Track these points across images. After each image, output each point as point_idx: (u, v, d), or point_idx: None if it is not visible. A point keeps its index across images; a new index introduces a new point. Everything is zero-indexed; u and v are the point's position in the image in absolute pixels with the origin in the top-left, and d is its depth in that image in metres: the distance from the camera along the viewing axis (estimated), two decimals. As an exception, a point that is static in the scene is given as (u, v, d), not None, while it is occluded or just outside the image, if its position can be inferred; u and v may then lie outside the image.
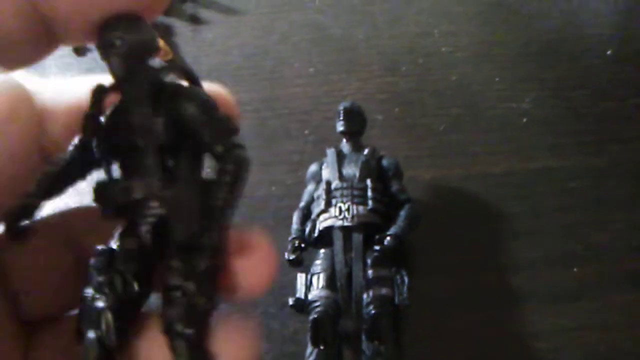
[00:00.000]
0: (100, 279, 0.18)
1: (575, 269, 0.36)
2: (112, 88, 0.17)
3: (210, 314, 0.17)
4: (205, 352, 0.17)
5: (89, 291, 0.18)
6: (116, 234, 0.18)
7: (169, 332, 0.17)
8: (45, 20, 0.17)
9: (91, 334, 0.17)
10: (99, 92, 0.17)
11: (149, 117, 0.17)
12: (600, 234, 0.37)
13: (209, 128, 0.17)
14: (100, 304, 0.18)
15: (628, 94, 0.46)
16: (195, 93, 0.18)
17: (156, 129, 0.17)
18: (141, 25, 0.17)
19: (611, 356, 0.32)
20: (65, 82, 0.20)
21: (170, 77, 0.18)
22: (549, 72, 0.48)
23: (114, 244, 0.18)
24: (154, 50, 0.17)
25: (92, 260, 0.18)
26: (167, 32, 0.54)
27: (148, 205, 0.17)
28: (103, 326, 0.17)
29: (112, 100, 0.18)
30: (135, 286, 0.18)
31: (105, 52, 0.17)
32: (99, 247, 0.18)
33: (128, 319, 0.18)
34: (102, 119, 0.17)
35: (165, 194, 0.17)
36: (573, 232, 0.37)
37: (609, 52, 0.49)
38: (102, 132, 0.17)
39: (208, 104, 0.18)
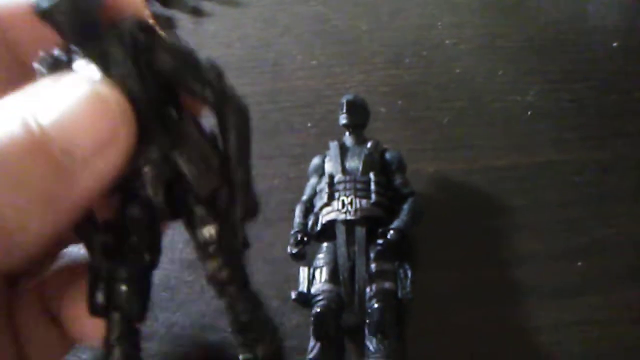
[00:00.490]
0: (111, 254, 0.18)
1: (578, 264, 0.35)
2: (69, 54, 0.16)
3: (244, 253, 0.18)
4: (251, 289, 0.18)
5: (97, 264, 0.18)
6: (110, 207, 0.18)
7: (215, 282, 0.18)
8: (14, 50, 0.16)
9: (115, 312, 0.18)
10: (56, 66, 0.16)
11: (132, 76, 0.16)
12: (604, 228, 0.37)
13: (193, 76, 0.17)
14: (118, 280, 0.18)
15: (633, 87, 0.45)
16: (169, 43, 0.17)
17: (141, 86, 0.16)
18: None
19: (613, 351, 0.32)
20: None
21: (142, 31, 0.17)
22: (554, 64, 0.48)
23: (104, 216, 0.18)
24: (99, 3, 0.16)
25: (96, 235, 0.18)
26: (168, 24, 0.54)
27: (152, 169, 0.16)
28: (124, 303, 0.18)
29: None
30: (147, 256, 0.18)
31: (50, 19, 0.15)
32: (99, 221, 0.18)
33: (144, 287, 0.18)
34: None
35: (179, 153, 0.16)
36: (576, 227, 0.37)
37: (614, 45, 0.49)
38: None
39: (185, 52, 0.17)
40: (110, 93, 0.15)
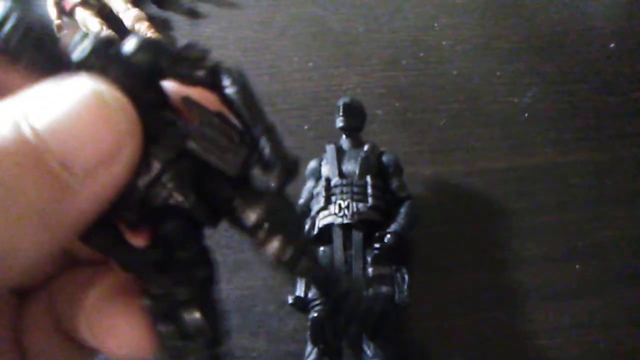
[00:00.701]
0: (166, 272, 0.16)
1: (577, 266, 0.35)
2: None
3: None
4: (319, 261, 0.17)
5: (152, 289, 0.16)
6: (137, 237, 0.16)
7: (283, 265, 0.16)
8: None
9: (189, 342, 0.16)
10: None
11: (119, 85, 0.14)
12: (602, 230, 0.37)
13: (178, 61, 0.15)
14: (181, 304, 0.16)
15: (631, 88, 0.45)
16: (136, 42, 0.15)
17: (133, 91, 0.14)
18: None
19: (612, 354, 0.32)
20: None
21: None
22: (551, 66, 0.48)
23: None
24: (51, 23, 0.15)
25: (142, 255, 0.16)
26: (164, 26, 0.54)
27: (171, 172, 0.15)
28: (199, 328, 0.16)
29: None
30: (202, 271, 0.17)
31: (9, 51, 0.14)
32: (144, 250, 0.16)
33: (214, 306, 0.17)
34: None
35: (193, 140, 0.15)
36: (574, 229, 0.37)
37: (611, 46, 0.49)
38: None
39: (156, 46, 0.15)
40: (114, 95, 0.13)
